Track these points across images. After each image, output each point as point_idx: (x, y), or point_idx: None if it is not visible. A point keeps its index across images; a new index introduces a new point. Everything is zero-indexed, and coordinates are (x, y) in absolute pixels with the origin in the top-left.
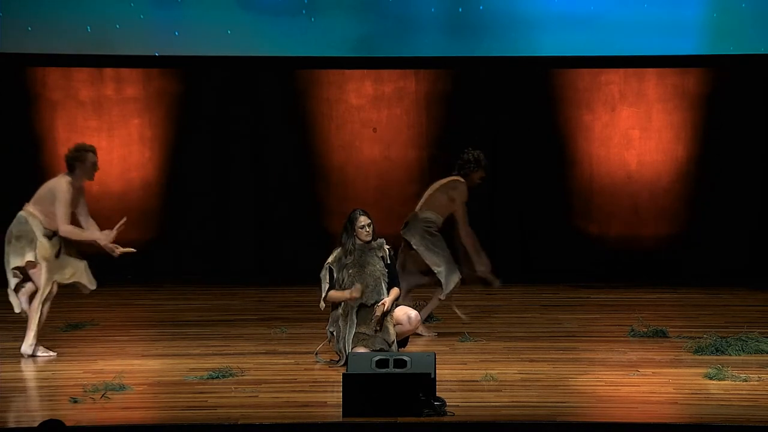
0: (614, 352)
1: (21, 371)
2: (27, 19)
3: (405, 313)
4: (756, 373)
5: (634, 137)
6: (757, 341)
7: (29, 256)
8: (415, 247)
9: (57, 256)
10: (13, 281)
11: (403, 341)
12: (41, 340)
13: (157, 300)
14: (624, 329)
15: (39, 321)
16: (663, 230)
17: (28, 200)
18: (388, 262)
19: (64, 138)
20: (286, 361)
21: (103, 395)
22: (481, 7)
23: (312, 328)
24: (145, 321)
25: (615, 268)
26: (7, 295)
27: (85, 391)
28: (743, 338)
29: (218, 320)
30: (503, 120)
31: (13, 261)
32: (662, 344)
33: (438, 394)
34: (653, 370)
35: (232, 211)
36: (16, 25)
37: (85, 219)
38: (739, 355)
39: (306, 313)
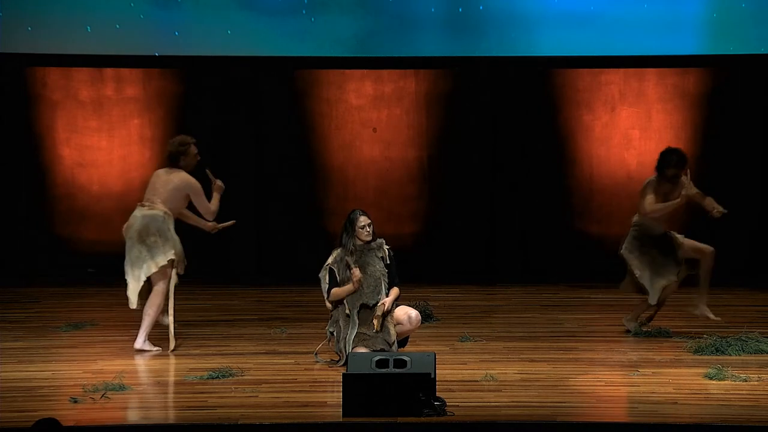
0: (614, 352)
1: (21, 371)
2: (27, 19)
3: (405, 312)
4: (756, 373)
5: (634, 137)
6: (757, 341)
7: (171, 255)
8: (622, 252)
9: None
10: (144, 277)
11: (403, 341)
12: (41, 339)
13: None
14: (624, 329)
15: (156, 315)
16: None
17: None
18: (388, 262)
19: (64, 138)
20: (286, 361)
21: (103, 395)
22: (481, 7)
23: (312, 328)
24: None
25: (615, 268)
26: (6, 295)
27: (85, 391)
28: (743, 338)
29: (218, 320)
30: (503, 120)
31: (160, 259)
32: (662, 344)
33: (438, 394)
34: (653, 370)
35: (232, 211)
36: (16, 25)
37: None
38: (739, 355)
39: (306, 313)
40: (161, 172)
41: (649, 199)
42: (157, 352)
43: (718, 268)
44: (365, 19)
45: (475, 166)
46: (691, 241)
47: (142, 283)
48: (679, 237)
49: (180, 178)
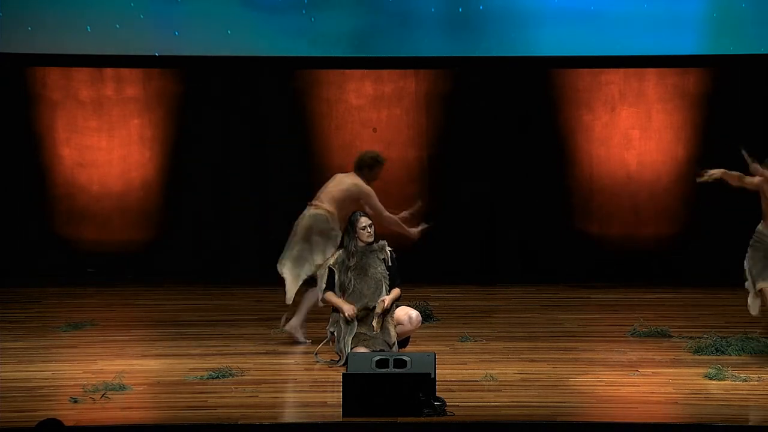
0: (614, 352)
1: (21, 371)
2: (27, 19)
3: (406, 313)
4: (756, 373)
5: (634, 137)
6: (757, 341)
7: (330, 253)
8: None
9: None
10: (304, 276)
11: (403, 341)
12: (41, 339)
13: (157, 300)
14: (624, 329)
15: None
16: (663, 230)
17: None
18: (389, 264)
19: (64, 138)
20: (286, 361)
21: (103, 395)
22: (481, 7)
23: (312, 328)
24: (145, 321)
25: (615, 268)
26: (6, 295)
27: (85, 391)
28: (743, 338)
29: (218, 320)
30: (503, 120)
31: (317, 258)
32: (662, 344)
33: (438, 394)
34: (653, 370)
35: (232, 211)
36: (16, 25)
37: None
38: (739, 355)
39: (306, 313)
40: (341, 175)
41: None
42: (303, 343)
43: (719, 267)
44: (365, 18)
45: (475, 166)
46: None
47: (301, 281)
48: None
49: (354, 181)
